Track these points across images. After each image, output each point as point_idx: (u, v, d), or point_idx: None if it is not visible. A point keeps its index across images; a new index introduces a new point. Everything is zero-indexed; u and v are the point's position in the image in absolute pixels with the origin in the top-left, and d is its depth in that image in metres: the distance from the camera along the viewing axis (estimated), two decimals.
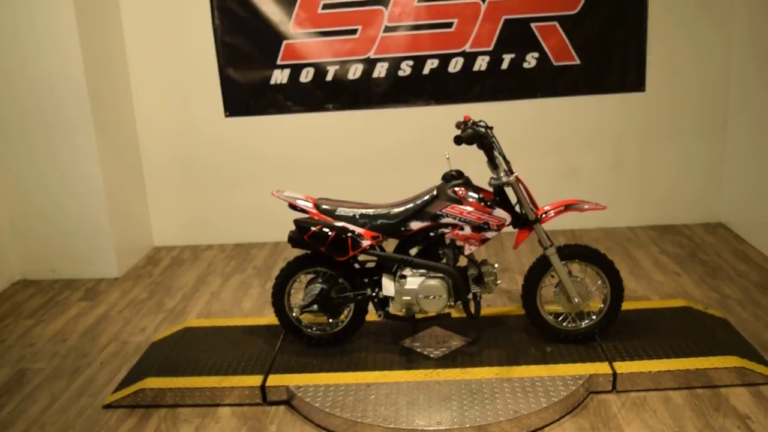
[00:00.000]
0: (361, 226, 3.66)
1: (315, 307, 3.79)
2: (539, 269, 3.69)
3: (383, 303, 3.77)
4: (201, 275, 5.36)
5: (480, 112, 5.39)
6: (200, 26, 5.54)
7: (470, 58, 5.45)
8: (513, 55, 5.42)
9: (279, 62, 5.56)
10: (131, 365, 4.04)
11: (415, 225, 3.61)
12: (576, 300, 3.65)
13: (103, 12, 5.36)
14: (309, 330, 3.90)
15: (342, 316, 3.89)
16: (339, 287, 3.83)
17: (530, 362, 3.60)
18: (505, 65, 5.44)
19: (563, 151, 5.60)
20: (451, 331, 3.99)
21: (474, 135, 3.42)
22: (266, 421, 3.47)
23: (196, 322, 4.40)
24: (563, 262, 3.66)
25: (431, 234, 3.65)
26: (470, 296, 3.72)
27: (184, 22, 5.56)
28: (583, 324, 3.75)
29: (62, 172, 5.24)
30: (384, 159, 5.69)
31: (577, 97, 5.49)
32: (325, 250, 3.65)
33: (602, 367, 3.50)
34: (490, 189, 3.61)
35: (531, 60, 5.42)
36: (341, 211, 3.69)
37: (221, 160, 5.81)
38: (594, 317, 3.75)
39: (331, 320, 3.90)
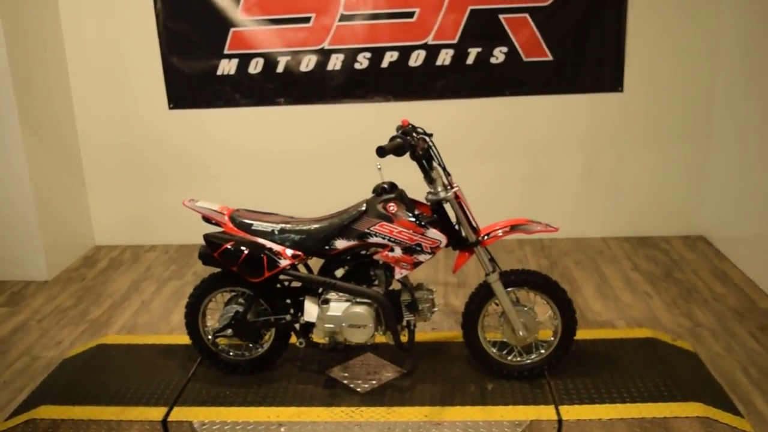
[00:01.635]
0: (281, 243, 3.24)
1: (229, 331, 3.38)
2: (481, 296, 3.28)
3: (307, 329, 3.35)
4: (136, 280, 4.96)
5: (443, 109, 4.98)
6: (142, 10, 5.10)
7: (433, 51, 5.00)
8: (479, 49, 4.97)
9: (226, 51, 5.12)
10: (34, 386, 3.64)
11: (341, 244, 3.19)
12: (521, 333, 3.23)
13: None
14: (226, 355, 3.49)
15: (264, 340, 3.48)
16: (258, 309, 3.41)
17: (467, 402, 3.19)
18: (470, 60, 5.00)
19: (532, 154, 5.17)
20: (385, 359, 3.57)
21: (401, 145, 2.98)
22: None
23: (112, 338, 4.00)
24: (509, 289, 3.24)
25: (359, 254, 3.23)
26: (404, 324, 3.30)
27: (125, 6, 5.11)
28: (530, 359, 3.33)
29: None
30: (338, 158, 5.27)
31: (548, 96, 5.05)
32: (237, 269, 3.23)
33: (546, 412, 3.09)
34: (428, 204, 3.18)
35: (499, 55, 4.97)
36: (258, 225, 3.27)
37: (165, 155, 5.40)
38: (542, 351, 3.33)
39: (250, 345, 3.49)
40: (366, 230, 3.13)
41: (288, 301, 3.40)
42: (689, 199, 5.15)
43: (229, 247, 3.21)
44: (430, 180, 3.12)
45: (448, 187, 3.15)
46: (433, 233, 3.11)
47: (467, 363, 3.46)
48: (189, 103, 5.28)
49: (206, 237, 3.28)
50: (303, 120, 5.22)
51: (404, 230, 3.10)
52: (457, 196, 3.11)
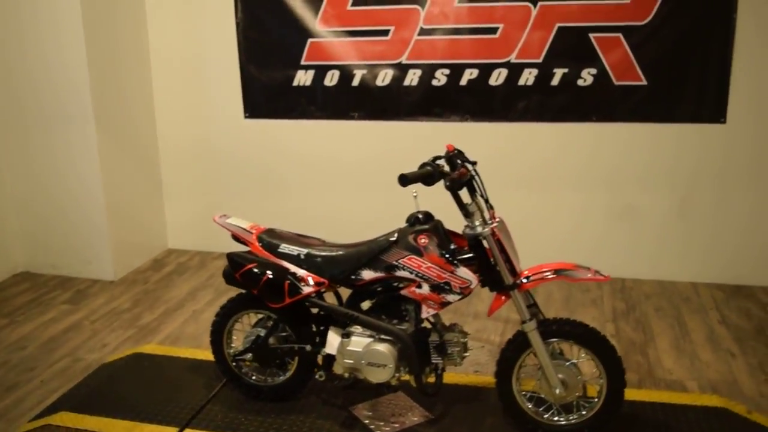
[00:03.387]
0: (306, 268, 3.05)
1: (249, 355, 3.22)
2: (518, 345, 2.95)
3: (329, 361, 3.14)
4: (195, 288, 4.93)
5: (523, 133, 4.67)
6: (223, 19, 5.09)
7: (516, 69, 4.68)
8: (566, 70, 4.60)
9: (303, 62, 5.01)
10: (67, 389, 3.63)
11: (368, 274, 2.96)
12: (557, 391, 2.87)
13: (118, 4, 5.00)
14: (248, 379, 3.34)
15: (288, 368, 3.30)
16: (282, 335, 3.24)
17: None
18: (556, 81, 4.63)
19: (618, 186, 4.73)
20: (417, 400, 3.30)
21: (430, 174, 2.71)
22: None
23: (150, 348, 3.95)
24: (549, 341, 2.89)
25: (390, 287, 2.99)
26: (432, 367, 3.03)
27: (208, 13, 5.12)
28: (569, 420, 2.96)
29: (61, 167, 4.97)
30: None
31: (640, 125, 4.60)
32: (257, 293, 3.07)
33: None
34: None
35: (587, 77, 4.58)
36: (285, 248, 3.09)
37: (238, 164, 5.36)
38: (584, 412, 2.95)
39: (272, 371, 3.32)
40: (394, 262, 2.89)
41: (314, 329, 3.20)
42: None
43: (251, 268, 3.05)
44: (466, 213, 2.83)
45: (486, 222, 2.84)
46: (464, 272, 2.81)
47: (504, 415, 3.13)
48: (264, 113, 5.22)
49: (229, 256, 3.14)
50: (376, 136, 5.03)
51: (433, 266, 2.83)
52: (494, 233, 2.79)
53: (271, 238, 3.14)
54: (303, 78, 5.04)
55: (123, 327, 4.38)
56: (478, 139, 4.83)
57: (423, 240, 2.84)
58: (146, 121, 5.36)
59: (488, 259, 2.84)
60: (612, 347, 2.86)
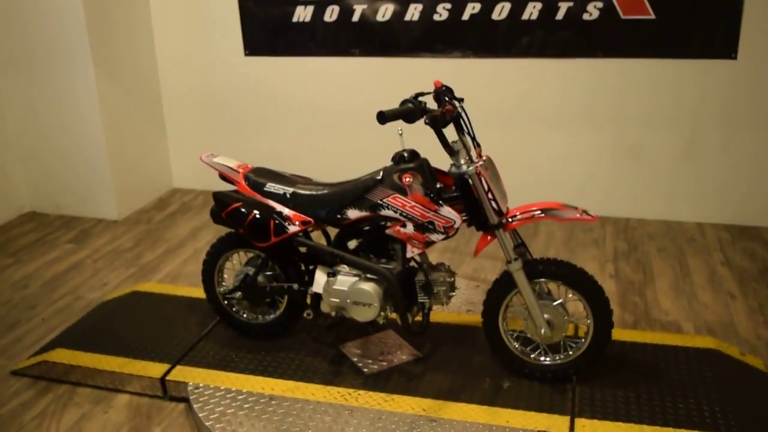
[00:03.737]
0: (292, 207, 3.03)
1: (239, 293, 3.23)
2: (504, 285, 2.92)
3: (317, 299, 3.14)
4: (197, 227, 4.95)
5: (526, 69, 4.57)
6: None
7: (519, 3, 4.54)
8: (571, 4, 4.45)
9: None
10: (66, 327, 3.69)
11: (353, 213, 2.93)
12: (543, 331, 2.85)
13: None
14: (239, 316, 3.36)
15: (278, 307, 3.31)
16: (271, 274, 3.24)
17: (474, 399, 2.87)
18: (560, 15, 4.49)
19: (624, 124, 4.62)
20: (405, 339, 3.30)
21: (410, 111, 2.65)
22: (155, 421, 3.00)
23: (148, 286, 3.99)
24: (535, 281, 2.86)
25: (378, 226, 2.96)
26: (419, 307, 3.02)
27: None
28: (555, 360, 2.95)
29: (62, 107, 4.96)
30: None
31: (647, 60, 4.46)
32: (243, 232, 3.06)
33: (559, 423, 2.73)
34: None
35: (593, 10, 4.42)
36: (271, 187, 3.07)
37: (240, 102, 5.31)
38: (571, 352, 2.94)
39: (263, 309, 3.34)
40: (379, 201, 2.85)
41: (303, 268, 3.19)
42: None
43: (237, 207, 3.03)
44: (450, 151, 2.77)
45: (472, 161, 2.78)
46: (448, 212, 2.77)
47: (492, 354, 3.12)
48: (264, 51, 5.13)
49: (215, 195, 3.13)
50: (376, 73, 4.93)
51: (417, 205, 2.78)
52: (479, 172, 2.73)
53: (257, 177, 3.11)
54: (302, 14, 4.93)
55: (124, 266, 4.42)
56: (480, 76, 4.73)
57: (407, 178, 2.80)
58: (147, 60, 5.30)
59: (474, 199, 2.78)
60: (599, 288, 2.82)
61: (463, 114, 2.85)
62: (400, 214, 2.82)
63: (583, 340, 2.90)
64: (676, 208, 4.68)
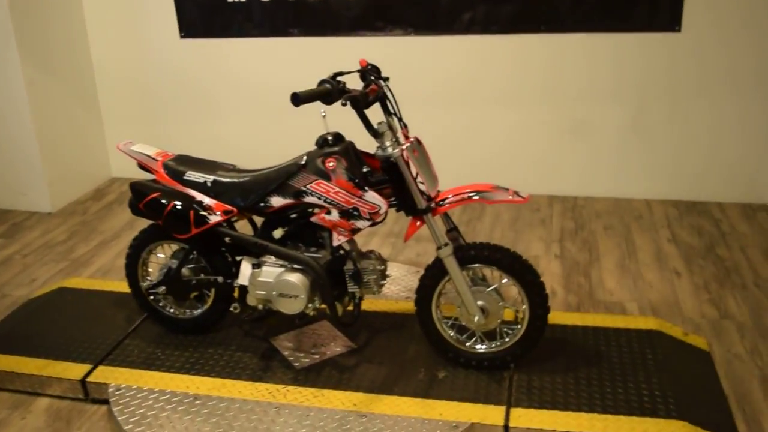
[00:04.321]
0: (214, 196, 2.87)
1: (162, 288, 3.08)
2: (436, 272, 2.80)
3: (245, 292, 2.99)
4: (134, 218, 4.76)
5: (469, 46, 4.44)
6: None
7: None
8: None
9: None
10: None
11: (276, 201, 2.78)
12: (476, 318, 2.74)
13: None
14: (166, 312, 3.20)
15: (205, 301, 3.16)
16: (197, 267, 3.08)
17: (408, 392, 2.76)
18: None
19: (569, 100, 4.52)
20: (339, 330, 3.18)
21: (328, 92, 2.50)
22: (75, 425, 2.85)
23: (75, 282, 3.81)
24: (467, 266, 2.74)
25: (304, 213, 2.82)
26: (350, 297, 2.89)
27: None
28: (490, 347, 2.84)
29: None
30: None
31: (590, 35, 4.36)
32: (162, 224, 2.90)
33: (494, 414, 2.63)
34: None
35: None
36: (191, 175, 2.91)
37: (178, 87, 5.12)
38: (507, 339, 2.84)
39: (191, 303, 3.19)
40: (302, 188, 2.71)
41: (228, 260, 3.04)
42: (753, 160, 4.37)
43: (154, 198, 2.87)
44: (375, 134, 2.63)
45: (399, 143, 2.65)
46: (372, 197, 2.64)
47: (428, 344, 3.01)
48: (200, 32, 4.94)
49: (132, 185, 2.96)
50: (316, 53, 4.77)
51: (341, 191, 2.65)
52: (404, 156, 2.60)
53: (177, 165, 2.95)
54: None
55: (55, 260, 4.23)
56: (422, 54, 4.59)
57: (331, 163, 2.66)
58: (78, 44, 5.07)
59: (402, 182, 2.65)
60: (533, 271, 2.72)
61: (389, 94, 2.71)
62: (324, 201, 2.68)
63: (519, 326, 2.79)
64: (624, 185, 4.61)
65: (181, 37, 4.97)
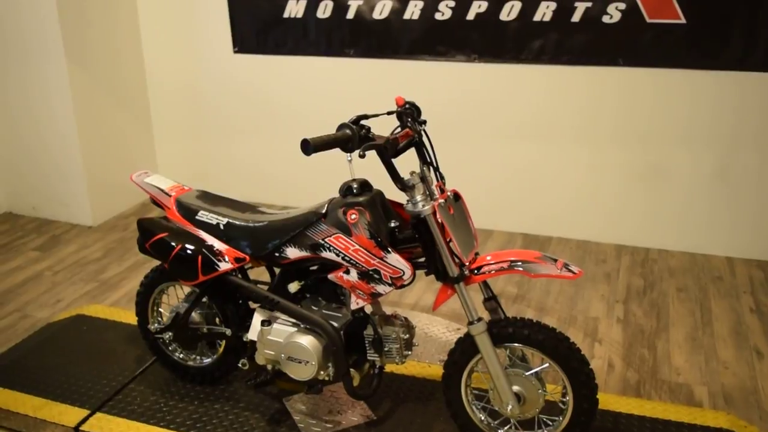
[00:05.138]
0: (226, 241, 2.58)
1: (169, 334, 2.81)
2: (467, 347, 2.43)
3: (254, 348, 2.69)
4: None
5: (537, 76, 4.06)
6: None
7: (531, 2, 4.01)
8: (589, 4, 3.90)
9: None
10: (2, 351, 3.33)
11: (292, 253, 2.47)
12: (510, 407, 2.36)
13: None
14: (175, 356, 2.94)
15: (216, 351, 2.89)
16: (208, 313, 2.81)
17: None
18: (577, 16, 3.94)
19: (647, 142, 4.06)
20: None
21: (346, 139, 2.17)
22: None
23: (94, 309, 3.61)
24: (503, 346, 2.37)
25: (325, 267, 2.50)
26: (369, 364, 2.56)
27: None
28: None
29: (35, 103, 4.62)
30: None
31: (675, 71, 3.89)
32: (168, 267, 2.62)
33: None
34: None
35: (614, 12, 3.87)
36: (203, 215, 2.63)
37: (228, 102, 4.90)
38: (546, 431, 2.44)
39: (201, 350, 2.92)
40: (320, 241, 2.38)
41: (238, 311, 2.75)
42: None
43: (161, 238, 2.60)
44: (403, 186, 2.28)
45: (432, 197, 2.30)
46: (395, 260, 2.29)
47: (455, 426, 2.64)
48: (254, 48, 4.70)
49: (139, 222, 2.70)
50: (372, 76, 4.46)
51: (361, 249, 2.31)
52: (435, 212, 2.25)
53: (190, 203, 2.68)
54: (294, 8, 4.48)
55: (84, 280, 4.06)
56: (485, 83, 4.23)
57: (353, 216, 2.33)
58: (132, 57, 4.91)
59: (432, 244, 2.30)
60: (581, 358, 2.31)
61: (426, 139, 2.36)
62: (343, 258, 2.35)
63: (561, 418, 2.39)
64: (703, 239, 4.11)
65: (235, 51, 4.75)
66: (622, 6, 3.84)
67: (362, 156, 2.12)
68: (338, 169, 4.34)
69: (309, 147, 2.05)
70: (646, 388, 3.01)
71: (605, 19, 3.89)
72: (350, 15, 4.36)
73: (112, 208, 4.92)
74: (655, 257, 4.15)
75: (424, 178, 2.32)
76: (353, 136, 2.15)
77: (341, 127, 2.18)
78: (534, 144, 4.25)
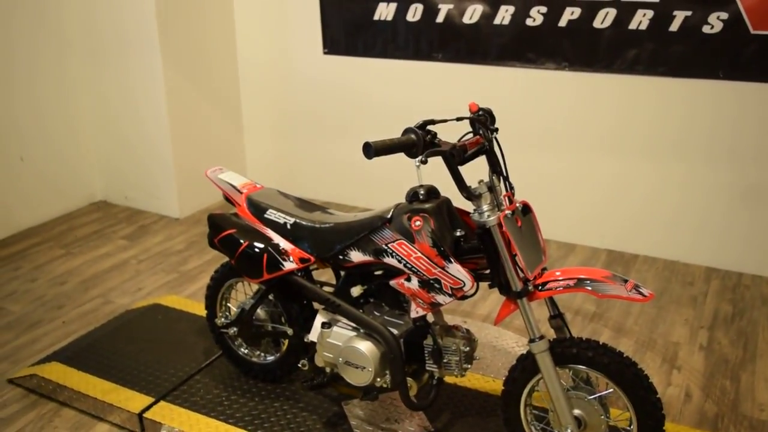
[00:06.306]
0: (293, 241, 2.59)
1: (233, 329, 2.84)
2: (528, 365, 2.34)
3: (314, 348, 2.69)
4: None
5: (631, 87, 3.91)
6: None
7: (626, 10, 3.85)
8: (689, 13, 3.71)
9: None
10: (78, 336, 3.47)
11: (356, 256, 2.45)
12: (569, 431, 2.25)
13: None
14: (240, 351, 2.98)
15: (280, 349, 2.90)
16: (274, 311, 2.83)
17: None
18: (675, 26, 3.76)
19: (746, 160, 3.83)
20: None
21: (411, 144, 2.12)
22: None
23: (170, 300, 3.71)
24: (566, 366, 2.27)
25: (377, 274, 2.48)
26: (428, 375, 2.51)
27: None
28: None
29: (131, 97, 4.82)
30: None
31: None
32: (234, 263, 2.65)
33: None
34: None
35: (716, 22, 3.66)
36: (272, 213, 2.65)
37: (317, 102, 4.95)
38: None
39: (266, 347, 2.95)
40: (384, 246, 2.35)
41: (301, 311, 2.75)
42: None
43: (230, 234, 2.63)
44: (468, 195, 2.22)
45: (499, 207, 2.22)
46: (456, 271, 2.23)
47: None
48: (343, 50, 4.73)
49: (210, 217, 2.74)
50: (458, 81, 4.40)
51: (423, 257, 2.26)
52: (501, 224, 2.17)
53: (261, 201, 2.70)
54: (384, 11, 4.47)
55: (166, 270, 4.18)
56: (576, 93, 4.09)
57: (417, 222, 2.28)
58: (226, 55, 5.04)
59: (496, 255, 2.22)
60: (648, 385, 2.18)
61: (497, 147, 2.29)
62: (404, 265, 2.31)
63: None
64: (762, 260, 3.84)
65: (324, 53, 4.78)
66: (725, 16, 3.63)
67: (425, 162, 2.07)
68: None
69: (370, 150, 2.02)
70: (724, 422, 2.82)
71: (706, 29, 3.69)
72: (440, 19, 4.32)
73: (199, 201, 5.05)
74: (748, 283, 3.90)
75: (492, 188, 2.25)
76: (417, 141, 2.11)
77: (406, 131, 2.14)
78: (623, 158, 4.08)
